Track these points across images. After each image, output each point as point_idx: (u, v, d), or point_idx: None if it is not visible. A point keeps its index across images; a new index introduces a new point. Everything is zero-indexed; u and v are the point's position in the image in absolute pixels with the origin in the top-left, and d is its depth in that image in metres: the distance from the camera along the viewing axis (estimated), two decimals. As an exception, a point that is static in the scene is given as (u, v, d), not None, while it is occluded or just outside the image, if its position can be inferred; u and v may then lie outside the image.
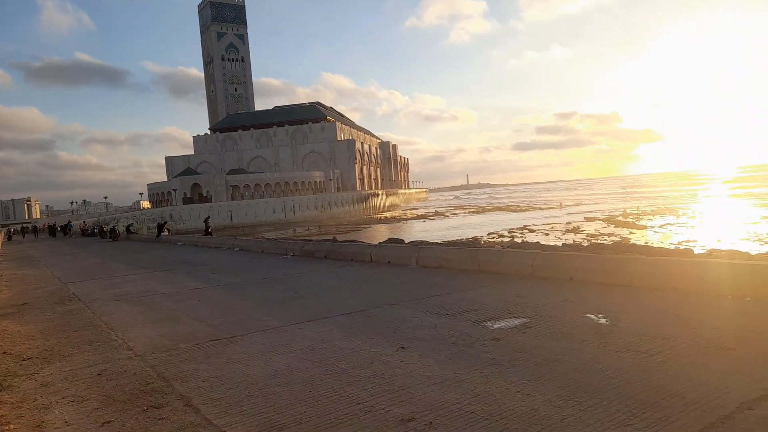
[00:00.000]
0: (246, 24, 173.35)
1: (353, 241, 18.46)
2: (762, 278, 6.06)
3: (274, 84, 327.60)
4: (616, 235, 38.35)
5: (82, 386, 4.79)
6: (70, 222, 73.79)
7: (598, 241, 33.18)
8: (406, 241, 16.41)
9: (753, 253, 15.56)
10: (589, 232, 42.66)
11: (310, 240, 19.45)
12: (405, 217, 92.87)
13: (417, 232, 56.56)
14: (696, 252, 14.70)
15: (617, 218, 53.15)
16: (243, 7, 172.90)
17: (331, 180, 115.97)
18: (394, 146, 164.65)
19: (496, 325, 5.81)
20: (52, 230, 65.50)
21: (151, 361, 5.47)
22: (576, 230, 44.91)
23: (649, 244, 25.77)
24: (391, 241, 17.43)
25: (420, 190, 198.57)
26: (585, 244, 29.37)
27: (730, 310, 5.78)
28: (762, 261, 7.90)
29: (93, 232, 52.28)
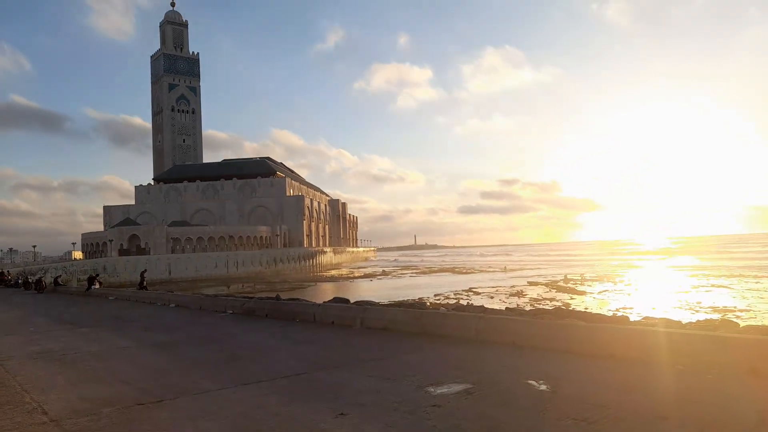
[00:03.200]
0: (199, 77, 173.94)
1: (297, 299, 18.05)
2: (694, 347, 6.28)
3: (221, 137, 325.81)
4: (557, 300, 39.36)
5: (-18, 457, 4.30)
6: None
7: (541, 306, 33.89)
8: (352, 301, 16.17)
9: (684, 321, 16.22)
10: (532, 296, 43.64)
11: (252, 297, 18.87)
12: (352, 275, 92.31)
13: (363, 291, 56.18)
14: (632, 319, 15.20)
15: (558, 283, 54.78)
16: (197, 61, 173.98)
17: (278, 236, 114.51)
18: (344, 204, 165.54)
19: (439, 391, 5.70)
20: None
21: (68, 427, 5.01)
22: (520, 294, 45.85)
23: (588, 310, 26.54)
24: (336, 300, 17.14)
25: (368, 249, 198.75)
26: (528, 308, 29.93)
27: (664, 378, 5.92)
28: (694, 330, 8.24)
29: (17, 283, 48.93)
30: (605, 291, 46.22)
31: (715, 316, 27.61)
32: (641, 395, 5.23)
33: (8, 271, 63.00)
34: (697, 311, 31.85)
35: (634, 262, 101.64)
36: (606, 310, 30.32)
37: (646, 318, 16.27)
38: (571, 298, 40.83)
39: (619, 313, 26.62)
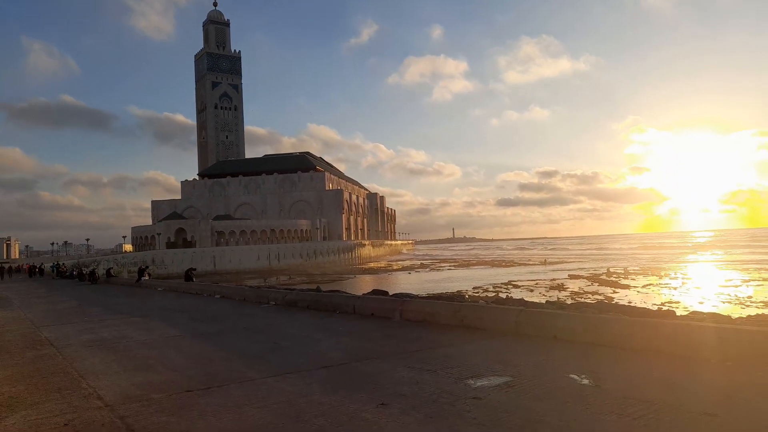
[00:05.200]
0: (241, 74, 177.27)
1: (337, 291, 18.30)
2: (744, 342, 6.07)
3: (260, 132, 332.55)
4: (599, 294, 38.48)
5: (45, 437, 4.58)
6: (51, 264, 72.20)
7: (582, 300, 33.25)
8: (391, 293, 16.31)
9: (734, 316, 15.67)
10: (573, 289, 42.78)
11: (293, 289, 19.23)
12: (390, 268, 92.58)
13: (402, 284, 56.28)
14: (678, 314, 14.77)
15: (601, 277, 53.47)
16: (239, 59, 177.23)
17: (317, 229, 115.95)
18: (382, 198, 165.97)
19: (479, 383, 5.71)
20: (32, 271, 64.34)
21: (121, 411, 5.26)
22: (560, 287, 45.01)
23: (632, 304, 25.86)
24: (375, 292, 17.32)
25: (406, 241, 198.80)
26: (569, 302, 29.42)
27: (712, 374, 5.75)
28: (744, 325, 7.96)
29: (72, 275, 51.24)
30: (650, 285, 44.87)
31: (769, 311, 26.45)
32: (688, 391, 5.10)
33: (64, 263, 66.03)
34: (747, 306, 30.59)
35: (681, 255, 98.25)
36: (651, 305, 29.47)
37: (693, 312, 15.79)
38: (614, 292, 39.81)
39: (664, 308, 25.88)
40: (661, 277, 51.53)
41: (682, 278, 50.14)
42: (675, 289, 41.58)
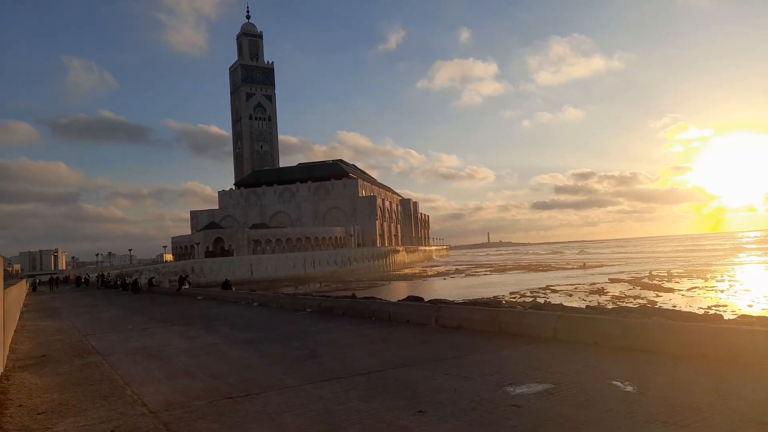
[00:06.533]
0: (274, 85, 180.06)
1: (372, 298, 18.32)
2: (797, 347, 5.80)
3: (292, 141, 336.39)
4: (642, 298, 37.41)
5: (93, 443, 4.71)
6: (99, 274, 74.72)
7: (624, 304, 32.36)
8: (426, 300, 16.22)
9: (787, 319, 14.95)
10: (614, 294, 41.71)
11: (329, 296, 19.35)
12: (425, 274, 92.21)
13: (437, 290, 55.94)
14: (726, 318, 14.23)
15: (643, 280, 51.98)
16: (272, 70, 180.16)
17: (351, 236, 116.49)
18: (415, 203, 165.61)
19: (518, 390, 5.62)
20: (78, 281, 67.02)
21: (165, 418, 5.39)
22: (600, 292, 43.95)
23: (676, 309, 25.04)
24: (410, 299, 17.25)
25: (440, 247, 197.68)
26: (610, 306, 28.66)
27: (762, 380, 5.51)
28: (796, 329, 7.59)
29: (116, 284, 52.89)
30: (695, 288, 43.35)
31: (825, 314, 25.18)
32: (738, 398, 4.90)
33: (108, 274, 68.27)
34: (802, 309, 29.19)
35: (727, 256, 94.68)
36: (697, 308, 28.48)
37: (742, 316, 15.17)
38: (658, 296, 38.62)
39: (711, 312, 24.96)
40: (707, 280, 49.75)
41: (730, 280, 48.27)
42: (722, 291, 40.06)
